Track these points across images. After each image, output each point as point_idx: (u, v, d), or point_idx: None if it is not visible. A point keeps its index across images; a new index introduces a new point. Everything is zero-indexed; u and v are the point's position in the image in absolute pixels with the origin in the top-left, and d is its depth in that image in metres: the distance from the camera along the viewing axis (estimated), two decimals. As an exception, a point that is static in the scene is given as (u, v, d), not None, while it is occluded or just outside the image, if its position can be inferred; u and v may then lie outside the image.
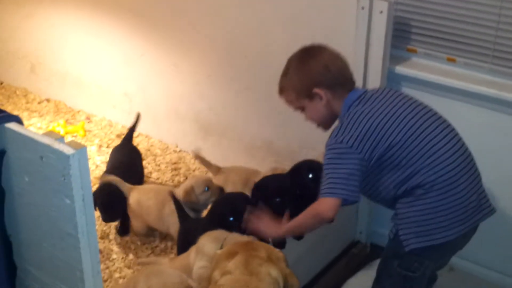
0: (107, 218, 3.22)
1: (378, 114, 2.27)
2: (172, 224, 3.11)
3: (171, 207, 3.10)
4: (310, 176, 2.76)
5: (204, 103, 3.80)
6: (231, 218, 2.65)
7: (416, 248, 2.28)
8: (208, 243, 2.50)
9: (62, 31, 4.36)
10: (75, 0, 4.16)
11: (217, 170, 3.43)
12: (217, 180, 3.36)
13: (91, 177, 3.61)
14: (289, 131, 3.46)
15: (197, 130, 3.92)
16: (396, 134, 2.23)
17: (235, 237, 2.48)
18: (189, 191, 3.06)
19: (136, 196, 3.28)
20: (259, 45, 3.37)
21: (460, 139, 2.33)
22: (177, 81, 3.87)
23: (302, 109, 2.46)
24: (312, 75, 2.38)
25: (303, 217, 2.41)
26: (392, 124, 2.25)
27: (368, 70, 2.96)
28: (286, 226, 2.51)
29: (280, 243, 2.67)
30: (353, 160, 2.23)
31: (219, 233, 2.54)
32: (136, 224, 3.32)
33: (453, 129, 2.34)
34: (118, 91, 4.24)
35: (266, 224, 2.56)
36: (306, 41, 3.12)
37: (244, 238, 2.46)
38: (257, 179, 2.90)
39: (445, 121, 2.35)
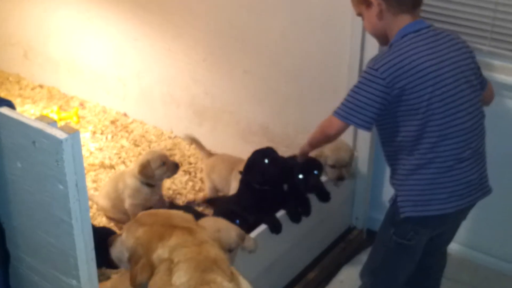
0: None
1: (425, 60, 2.20)
2: (127, 198, 3.19)
3: (124, 182, 3.18)
4: (300, 176, 2.82)
5: (199, 87, 3.77)
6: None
7: (412, 216, 2.28)
8: None
9: (55, 17, 4.31)
10: (67, -16, 4.12)
11: (208, 154, 3.52)
12: (205, 165, 3.47)
13: (85, 164, 3.61)
14: (285, 116, 3.44)
15: (192, 115, 3.89)
16: (430, 92, 2.18)
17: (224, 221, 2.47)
18: (146, 165, 3.10)
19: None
20: (255, 27, 3.33)
21: (480, 116, 2.31)
22: (171, 65, 3.83)
23: (361, 16, 2.40)
24: None
25: (314, 131, 2.50)
26: (432, 79, 2.19)
27: (364, 53, 2.93)
28: (305, 143, 2.61)
29: (276, 228, 2.67)
30: (379, 92, 2.19)
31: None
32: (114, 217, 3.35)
33: (478, 101, 2.31)
34: (112, 77, 4.20)
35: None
36: (304, 25, 3.11)
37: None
38: (241, 168, 2.89)
39: (477, 90, 2.31)
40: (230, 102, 3.67)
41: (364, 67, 2.72)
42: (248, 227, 2.61)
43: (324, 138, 2.46)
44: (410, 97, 2.20)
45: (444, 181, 2.24)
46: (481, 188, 2.32)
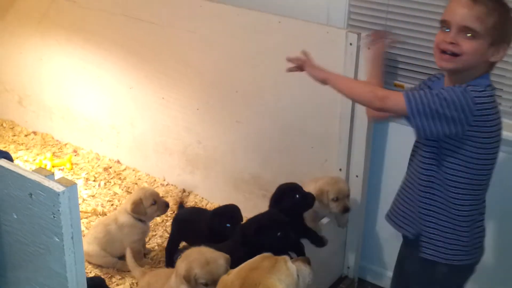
0: None
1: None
2: (126, 236, 3.19)
3: (118, 222, 3.21)
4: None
5: (192, 136, 3.80)
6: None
7: None
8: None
9: (50, 64, 4.36)
10: (64, 34, 4.17)
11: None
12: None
13: (78, 212, 3.61)
14: (276, 166, 3.47)
15: (185, 163, 3.91)
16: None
17: (210, 251, 2.47)
18: (138, 203, 3.15)
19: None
20: (249, 78, 3.39)
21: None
22: (165, 114, 3.87)
23: (470, 36, 2.21)
24: None
25: (359, 85, 2.46)
26: None
27: (355, 104, 2.98)
28: (333, 73, 2.41)
29: None
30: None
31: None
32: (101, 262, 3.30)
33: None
34: (105, 124, 4.23)
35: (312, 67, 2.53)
36: (295, 75, 3.15)
37: (216, 253, 2.47)
38: None
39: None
40: (222, 151, 3.70)
41: (355, 118, 2.77)
42: (288, 243, 2.64)
43: (367, 98, 2.22)
44: None
45: None
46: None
